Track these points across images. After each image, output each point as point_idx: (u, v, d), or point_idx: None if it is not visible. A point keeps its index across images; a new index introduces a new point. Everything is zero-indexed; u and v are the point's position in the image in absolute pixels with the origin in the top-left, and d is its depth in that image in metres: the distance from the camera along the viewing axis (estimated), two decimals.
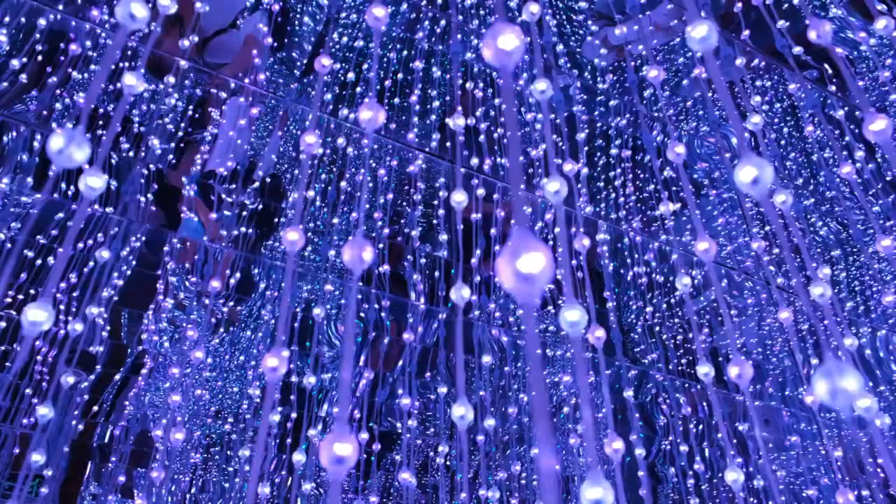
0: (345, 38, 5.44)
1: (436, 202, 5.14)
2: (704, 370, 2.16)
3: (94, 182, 1.32)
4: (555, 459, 0.58)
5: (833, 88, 4.11)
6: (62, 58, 4.36)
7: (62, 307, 4.51)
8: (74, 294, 4.38)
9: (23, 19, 4.39)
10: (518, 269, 0.66)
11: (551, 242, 4.94)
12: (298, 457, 2.59)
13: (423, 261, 5.34)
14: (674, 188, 5.48)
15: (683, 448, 4.21)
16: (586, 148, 5.34)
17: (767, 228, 5.74)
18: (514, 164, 0.76)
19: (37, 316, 1.04)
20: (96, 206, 4.47)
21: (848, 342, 3.55)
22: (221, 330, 5.66)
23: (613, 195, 5.78)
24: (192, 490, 6.39)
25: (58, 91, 4.53)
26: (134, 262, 4.88)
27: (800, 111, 5.27)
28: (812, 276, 1.97)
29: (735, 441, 5.64)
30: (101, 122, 4.44)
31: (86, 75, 4.50)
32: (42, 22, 4.29)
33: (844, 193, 5.10)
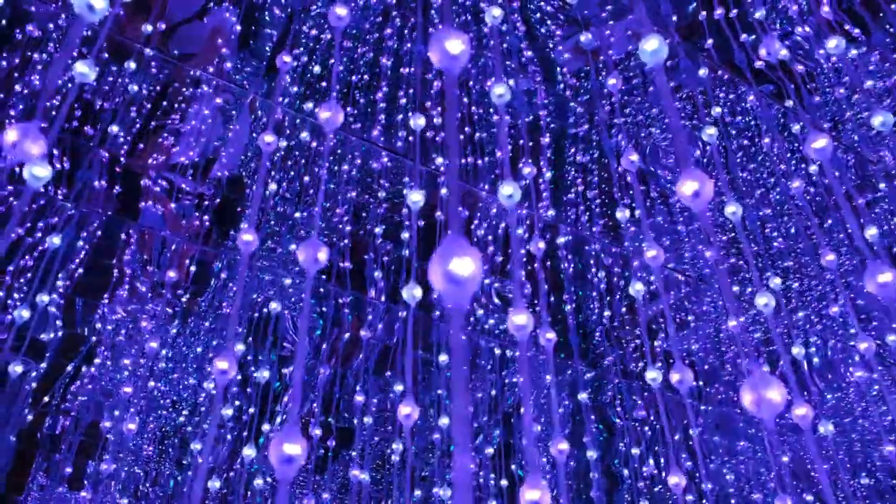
0: (314, 31, 5.40)
1: (400, 200, 5.14)
2: (653, 375, 2.21)
3: (39, 172, 1.30)
4: (470, 459, 0.60)
5: (790, 103, 4.21)
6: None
7: (14, 294, 4.41)
8: (21, 280, 4.28)
9: None
10: (448, 272, 0.67)
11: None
12: (249, 451, 2.58)
13: (385, 258, 5.33)
14: (639, 193, 5.54)
15: (635, 451, 4.28)
16: (549, 152, 5.37)
17: (725, 238, 5.85)
18: (453, 167, 0.78)
19: None
20: (51, 191, 4.38)
21: (795, 350, 3.64)
22: (177, 321, 5.58)
23: (573, 197, 5.84)
24: (147, 483, 6.28)
25: (15, 74, 4.42)
26: (90, 251, 4.78)
27: (759, 123, 5.39)
28: (757, 285, 2.02)
29: (690, 444, 5.74)
30: (57, 102, 4.34)
31: (44, 55, 4.40)
32: None
33: (798, 204, 5.22)
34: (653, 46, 1.30)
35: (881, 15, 4.68)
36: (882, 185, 5.08)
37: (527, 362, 1.29)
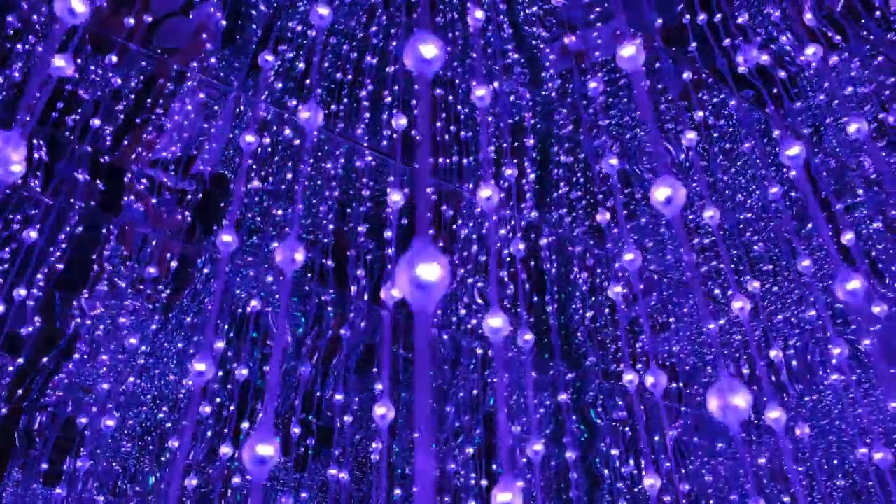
0: (300, 27, 5.38)
1: (384, 199, 5.14)
2: (629, 377, 2.23)
3: (13, 167, 1.29)
4: (433, 460, 0.60)
5: (770, 109, 4.26)
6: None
7: None
8: None
9: None
10: (414, 278, 0.68)
11: (499, 245, 4.97)
12: (226, 450, 2.57)
13: (368, 257, 5.32)
14: (620, 196, 5.58)
15: (615, 451, 4.30)
16: (534, 153, 5.38)
17: (707, 241, 5.90)
18: (424, 170, 0.78)
19: None
20: (31, 183, 4.33)
21: (773, 353, 3.67)
22: (158, 317, 5.54)
23: (557, 198, 5.86)
24: (125, 479, 6.23)
25: None
26: (70, 245, 4.74)
27: (740, 128, 5.43)
28: (733, 288, 2.04)
29: (671, 445, 5.78)
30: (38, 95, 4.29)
31: (26, 46, 4.35)
32: None
33: (778, 209, 5.28)
34: (629, 52, 1.31)
35: (861, 22, 4.74)
36: (860, 192, 5.14)
37: (503, 365, 1.29)
